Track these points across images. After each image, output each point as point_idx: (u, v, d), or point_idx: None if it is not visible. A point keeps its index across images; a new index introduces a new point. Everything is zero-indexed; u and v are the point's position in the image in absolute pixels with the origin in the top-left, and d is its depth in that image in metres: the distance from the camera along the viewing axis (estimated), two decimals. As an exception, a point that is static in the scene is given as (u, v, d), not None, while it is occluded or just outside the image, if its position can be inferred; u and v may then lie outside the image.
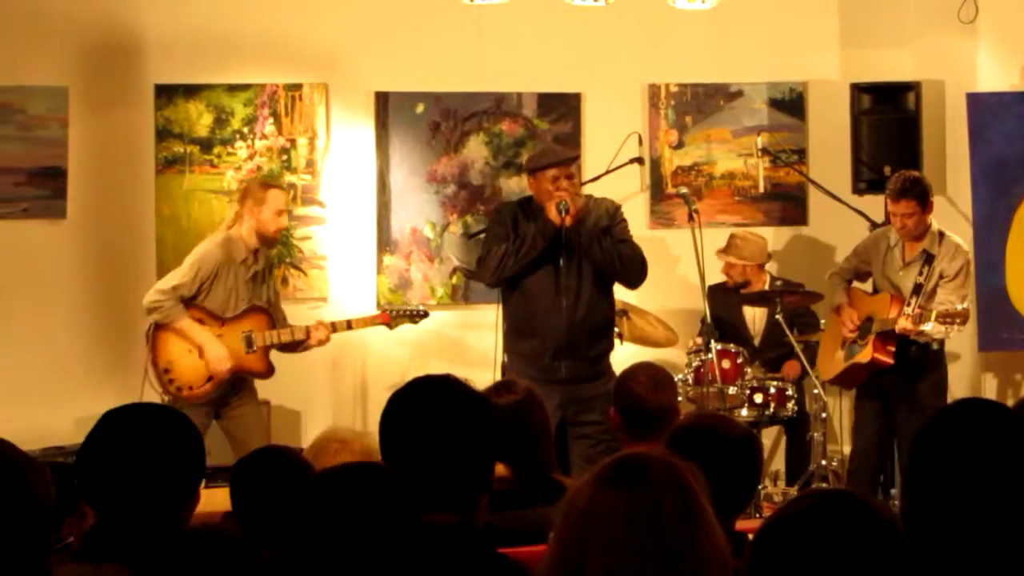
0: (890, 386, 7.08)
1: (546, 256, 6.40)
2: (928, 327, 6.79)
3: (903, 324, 6.87)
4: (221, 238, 6.90)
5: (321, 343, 7.08)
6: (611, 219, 6.56)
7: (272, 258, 7.26)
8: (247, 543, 2.44)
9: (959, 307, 6.77)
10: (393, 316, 7.34)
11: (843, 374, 7.25)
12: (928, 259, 7.01)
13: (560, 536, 2.27)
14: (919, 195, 7.00)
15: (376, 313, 7.44)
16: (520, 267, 6.44)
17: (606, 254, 6.44)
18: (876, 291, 7.32)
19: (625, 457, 2.34)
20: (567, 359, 6.35)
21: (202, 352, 6.82)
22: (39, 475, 2.45)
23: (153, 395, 6.90)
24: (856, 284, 7.43)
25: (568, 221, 6.34)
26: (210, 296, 6.85)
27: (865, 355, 7.06)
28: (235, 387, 6.95)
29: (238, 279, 6.89)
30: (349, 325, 7.22)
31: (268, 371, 7.03)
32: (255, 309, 6.96)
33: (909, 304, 6.96)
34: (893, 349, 7.01)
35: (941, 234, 7.09)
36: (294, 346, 7.08)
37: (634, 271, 6.55)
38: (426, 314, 7.45)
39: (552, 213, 6.35)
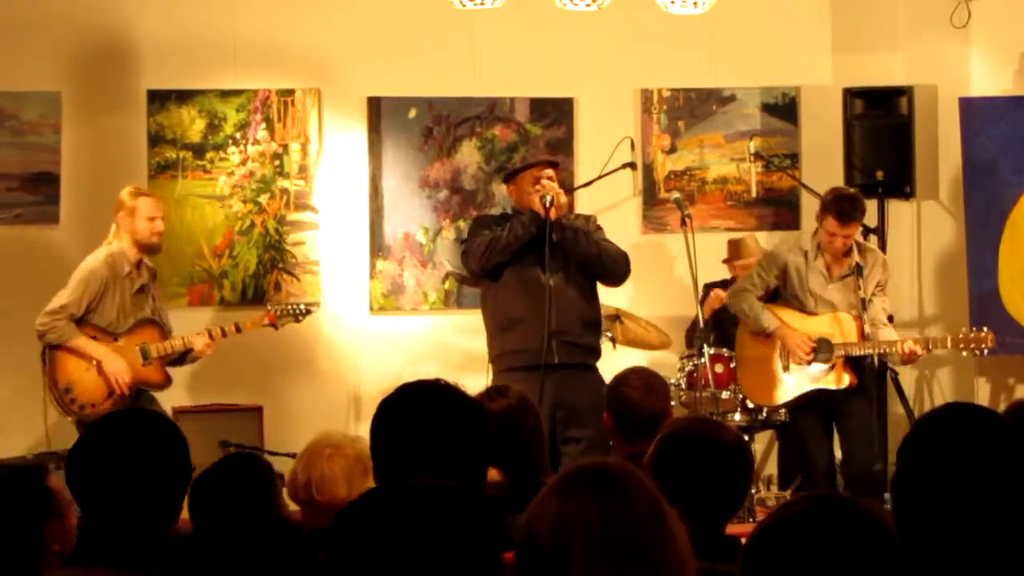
0: (834, 396, 7.01)
1: (532, 248, 6.44)
2: (935, 349, 6.83)
3: (913, 348, 6.82)
4: (104, 254, 6.85)
5: (203, 352, 7.03)
6: (587, 224, 6.67)
7: (155, 270, 7.14)
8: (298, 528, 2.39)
9: (975, 329, 6.79)
10: (278, 315, 7.29)
11: (800, 398, 7.09)
12: (859, 271, 6.94)
13: (528, 550, 2.25)
14: (862, 215, 6.97)
15: (262, 313, 7.36)
16: (507, 254, 6.48)
17: (592, 246, 6.52)
18: (774, 298, 7.17)
19: (581, 466, 2.34)
20: (558, 342, 6.39)
21: (101, 367, 6.78)
22: None
23: (56, 416, 6.83)
24: (776, 306, 7.16)
25: (552, 214, 6.38)
26: (99, 313, 6.82)
27: (838, 380, 6.96)
28: (136, 400, 6.87)
29: (124, 294, 6.87)
30: (238, 328, 7.16)
31: (166, 381, 7.02)
32: (145, 321, 6.95)
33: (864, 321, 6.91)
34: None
35: (857, 244, 7.04)
36: (183, 358, 7.06)
37: (619, 265, 6.62)
38: (309, 311, 7.37)
39: (536, 205, 6.41)
